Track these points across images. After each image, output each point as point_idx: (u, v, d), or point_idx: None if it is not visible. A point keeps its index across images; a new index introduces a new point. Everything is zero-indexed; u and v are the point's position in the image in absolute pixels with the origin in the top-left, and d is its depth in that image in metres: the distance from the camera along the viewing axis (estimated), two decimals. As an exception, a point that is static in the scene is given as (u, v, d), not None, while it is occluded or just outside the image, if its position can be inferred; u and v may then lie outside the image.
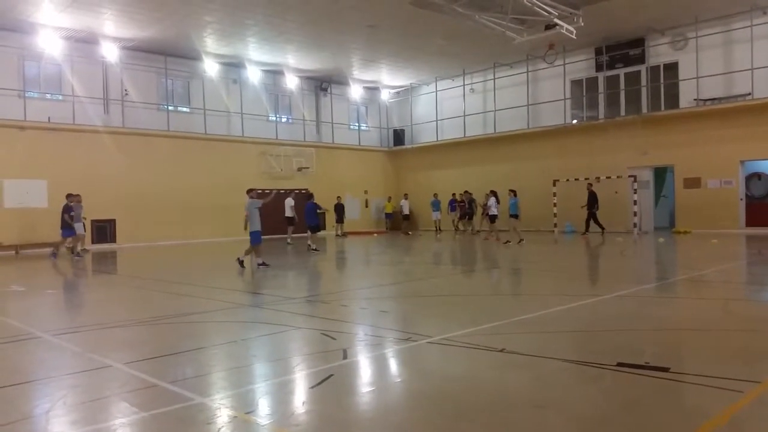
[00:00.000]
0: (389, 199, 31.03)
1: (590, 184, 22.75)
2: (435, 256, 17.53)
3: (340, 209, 26.43)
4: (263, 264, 13.36)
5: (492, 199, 21.02)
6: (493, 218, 21.04)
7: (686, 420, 3.69)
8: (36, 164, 21.05)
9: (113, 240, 22.79)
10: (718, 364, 4.89)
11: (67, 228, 18.10)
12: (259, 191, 15.03)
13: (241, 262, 13.63)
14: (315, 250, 18.21)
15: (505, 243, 19.14)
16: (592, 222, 22.42)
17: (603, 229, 22.20)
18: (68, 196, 18.40)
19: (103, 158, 22.37)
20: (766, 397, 4.08)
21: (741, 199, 21.61)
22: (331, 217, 26.19)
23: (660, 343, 5.73)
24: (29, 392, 4.69)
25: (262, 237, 13.84)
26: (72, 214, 18.11)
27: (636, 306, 7.80)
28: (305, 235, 20.19)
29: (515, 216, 19.82)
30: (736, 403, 3.91)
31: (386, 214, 30.90)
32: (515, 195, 19.90)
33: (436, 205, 27.85)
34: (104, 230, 22.69)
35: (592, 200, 22.30)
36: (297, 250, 19.10)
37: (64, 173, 21.45)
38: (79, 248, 18.80)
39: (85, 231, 19.40)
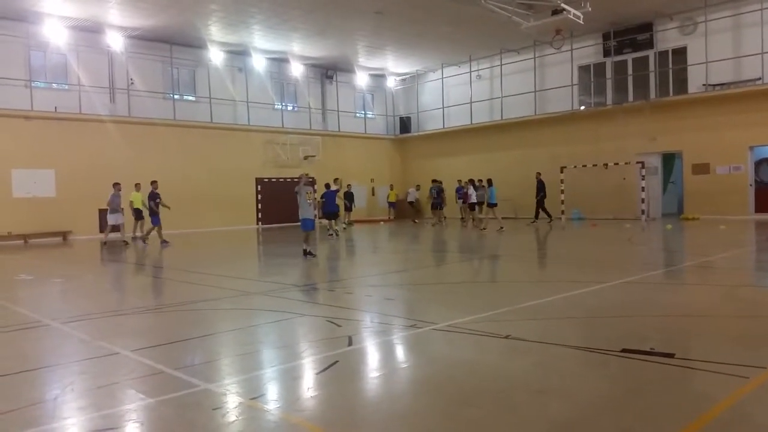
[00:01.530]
0: (391, 187, 30.79)
1: (539, 174, 23.45)
2: (439, 244, 17.51)
3: (349, 197, 26.38)
4: (309, 253, 12.83)
5: (471, 188, 22.03)
6: (472, 206, 22.09)
7: (690, 405, 3.68)
8: (43, 154, 21.12)
9: (121, 229, 22.85)
10: (723, 350, 4.88)
11: (154, 215, 17.95)
12: (311, 178, 14.56)
13: (308, 252, 12.86)
14: (334, 234, 19.02)
15: (482, 230, 19.92)
16: (542, 210, 23.40)
17: (550, 217, 23.23)
18: (153, 182, 18.20)
19: (110, 147, 22.40)
20: (772, 382, 4.07)
21: (750, 185, 21.42)
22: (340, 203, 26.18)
23: (665, 330, 5.72)
24: (38, 379, 4.74)
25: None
26: (158, 200, 17.95)
27: (642, 292, 7.78)
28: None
29: (493, 204, 20.76)
30: (742, 388, 3.90)
31: (389, 202, 30.63)
32: (491, 184, 20.82)
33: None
34: (112, 219, 22.76)
35: (540, 188, 23.12)
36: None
37: (71, 162, 21.54)
38: (124, 237, 18.74)
39: (123, 220, 18.77)
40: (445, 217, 25.99)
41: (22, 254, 17.06)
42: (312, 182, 13.30)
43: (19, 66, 21.17)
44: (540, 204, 23.26)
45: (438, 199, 25.14)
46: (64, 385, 4.43)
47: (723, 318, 6.19)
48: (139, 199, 19.29)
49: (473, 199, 21.77)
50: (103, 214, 22.41)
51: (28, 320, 7.01)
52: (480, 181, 23.09)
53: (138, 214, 19.40)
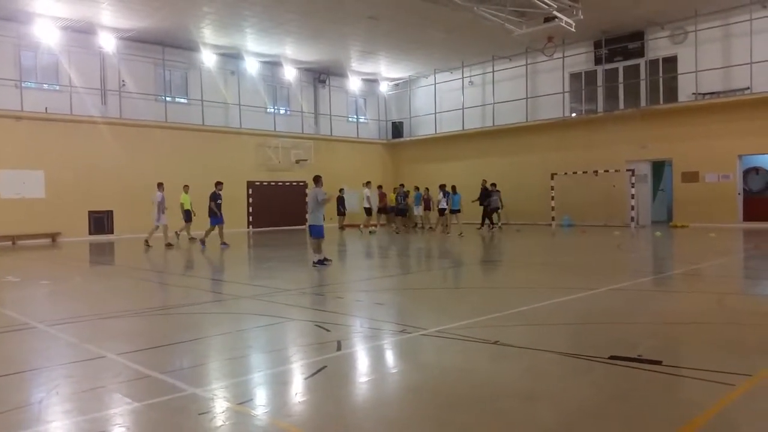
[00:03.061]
0: (394, 191, 30.53)
1: (485, 181, 23.81)
2: (427, 250, 17.51)
3: (341, 201, 26.30)
4: (323, 261, 11.91)
5: (440, 194, 22.48)
6: (441, 212, 22.54)
7: (677, 412, 3.70)
8: (33, 155, 20.97)
9: (110, 231, 22.76)
10: (711, 358, 4.91)
11: (214, 216, 17.60)
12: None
13: (324, 260, 11.98)
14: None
15: (459, 234, 20.74)
16: (486, 217, 23.70)
17: (492, 225, 23.35)
18: (217, 183, 17.88)
19: (101, 149, 22.29)
20: (758, 390, 4.10)
21: (739, 194, 21.60)
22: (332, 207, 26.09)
23: (653, 337, 5.75)
24: (23, 382, 4.70)
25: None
26: (219, 201, 17.58)
27: (631, 299, 7.82)
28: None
29: (457, 211, 21.83)
30: (728, 395, 3.93)
31: (390, 207, 30.26)
32: (455, 191, 21.96)
33: (418, 199, 25.07)
34: (101, 221, 22.67)
35: (484, 196, 23.48)
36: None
37: (61, 164, 21.41)
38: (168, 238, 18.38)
39: (166, 221, 18.33)
40: (415, 224, 25.36)
41: (10, 256, 16.90)
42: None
43: (9, 66, 21.03)
44: (486, 211, 23.46)
45: (403, 205, 24.15)
46: (49, 389, 4.38)
47: (711, 325, 6.23)
48: (189, 201, 19.32)
49: (443, 204, 22.24)
50: (92, 216, 22.39)
51: (14, 322, 6.94)
52: (494, 185, 23.14)
53: (188, 216, 19.37)
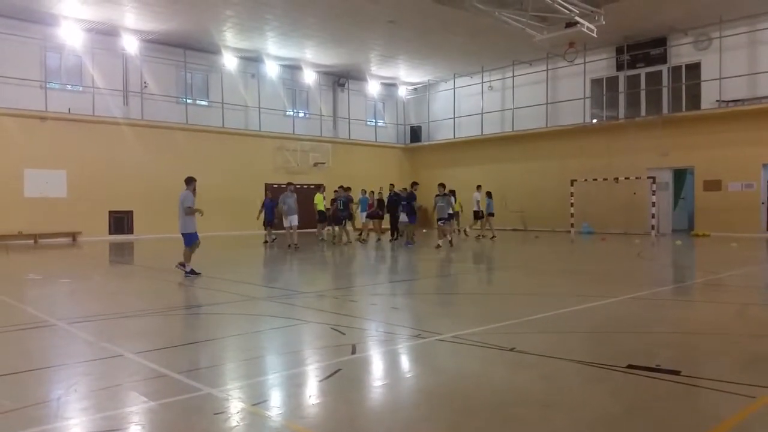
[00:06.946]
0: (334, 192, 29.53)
1: (392, 185, 22.18)
2: (447, 254, 17.43)
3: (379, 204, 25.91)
4: (191, 272, 11.00)
5: (451, 199, 20.80)
6: (451, 216, 20.90)
7: (695, 423, 3.64)
8: (56, 154, 21.32)
9: (130, 231, 23.03)
10: (730, 369, 4.82)
11: (413, 215, 18.05)
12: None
13: (190, 271, 11.04)
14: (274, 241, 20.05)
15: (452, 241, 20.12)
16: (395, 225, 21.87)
17: (397, 236, 20.48)
18: (413, 184, 18.40)
19: (122, 150, 22.60)
20: (779, 403, 4.01)
21: (762, 203, 21.24)
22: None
23: (672, 347, 5.66)
24: (42, 378, 4.76)
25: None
26: (413, 202, 17.99)
27: (650, 308, 7.71)
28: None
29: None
30: (747, 408, 3.85)
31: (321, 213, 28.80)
32: (453, 194, 20.75)
33: (364, 204, 21.69)
34: (122, 221, 22.95)
35: (396, 203, 21.46)
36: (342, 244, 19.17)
37: (83, 164, 21.73)
38: (294, 240, 17.50)
39: (297, 222, 17.75)
40: (360, 233, 21.25)
41: (32, 254, 17.17)
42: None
43: (34, 67, 21.41)
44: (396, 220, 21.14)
45: (345, 212, 19.62)
46: (67, 386, 4.44)
47: (731, 336, 6.11)
48: (322, 201, 19.76)
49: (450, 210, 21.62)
50: (112, 216, 22.68)
51: (35, 320, 7.04)
52: (442, 185, 19.02)
53: (322, 216, 19.80)
